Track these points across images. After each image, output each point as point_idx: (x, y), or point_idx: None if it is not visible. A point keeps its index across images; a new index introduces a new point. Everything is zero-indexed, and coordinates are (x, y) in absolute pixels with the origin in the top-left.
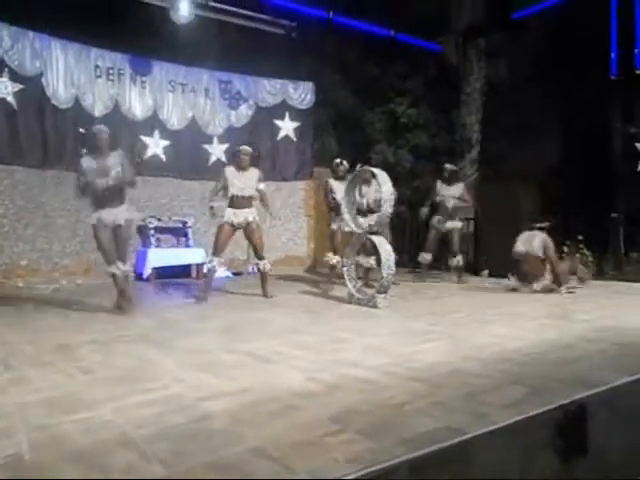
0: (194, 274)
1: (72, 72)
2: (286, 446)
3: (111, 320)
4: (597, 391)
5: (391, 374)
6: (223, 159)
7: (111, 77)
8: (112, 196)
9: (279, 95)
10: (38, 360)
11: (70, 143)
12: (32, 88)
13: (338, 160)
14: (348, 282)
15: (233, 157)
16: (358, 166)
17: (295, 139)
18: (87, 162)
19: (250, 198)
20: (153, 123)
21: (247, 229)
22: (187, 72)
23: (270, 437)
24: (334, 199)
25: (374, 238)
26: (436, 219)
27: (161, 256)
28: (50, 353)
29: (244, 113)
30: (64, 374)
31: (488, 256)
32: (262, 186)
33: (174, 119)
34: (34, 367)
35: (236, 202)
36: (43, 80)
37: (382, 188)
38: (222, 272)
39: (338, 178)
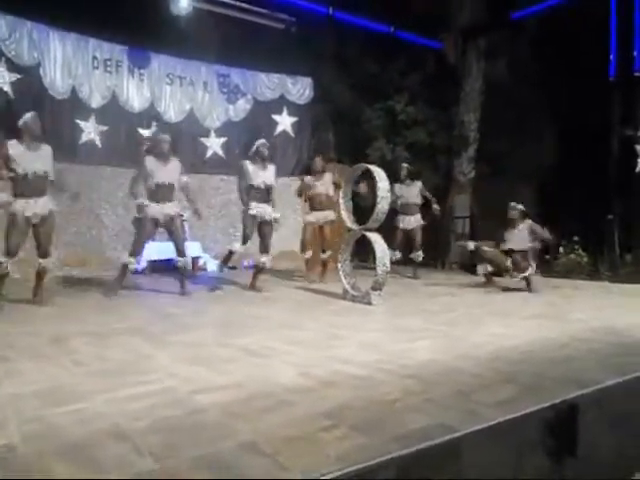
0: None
1: (70, 63)
2: (278, 441)
3: (106, 312)
4: (589, 390)
5: (384, 371)
6: (220, 153)
7: (109, 68)
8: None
9: (277, 90)
10: (34, 352)
11: (67, 133)
12: (29, 78)
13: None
14: (343, 278)
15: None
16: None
17: (293, 134)
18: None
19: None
20: (151, 115)
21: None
22: (185, 65)
23: (262, 431)
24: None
25: (369, 235)
26: (400, 218)
27: (157, 249)
28: (45, 345)
29: (242, 107)
30: (58, 366)
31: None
32: (185, 178)
33: (172, 112)
34: (29, 359)
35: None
36: (41, 70)
37: (379, 185)
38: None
39: (313, 173)
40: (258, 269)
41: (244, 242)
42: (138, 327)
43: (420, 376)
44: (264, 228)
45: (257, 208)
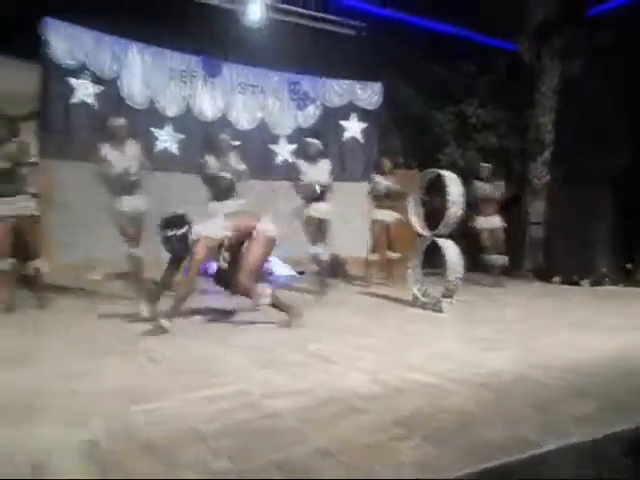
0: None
1: (147, 74)
2: (352, 448)
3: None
4: None
5: (456, 380)
6: (290, 159)
7: (184, 79)
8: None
9: (346, 96)
10: (111, 350)
11: (144, 142)
12: (111, 90)
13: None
14: (413, 285)
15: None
16: None
17: (361, 140)
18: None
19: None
20: (223, 124)
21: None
22: (257, 73)
23: (336, 438)
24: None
25: (440, 241)
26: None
27: None
28: (120, 344)
29: (311, 114)
30: (135, 365)
31: (559, 261)
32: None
33: (243, 120)
34: (107, 357)
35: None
36: (120, 82)
37: (450, 190)
38: (285, 271)
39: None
40: (320, 264)
41: (314, 243)
42: (207, 329)
43: (494, 387)
44: (322, 225)
45: (313, 207)
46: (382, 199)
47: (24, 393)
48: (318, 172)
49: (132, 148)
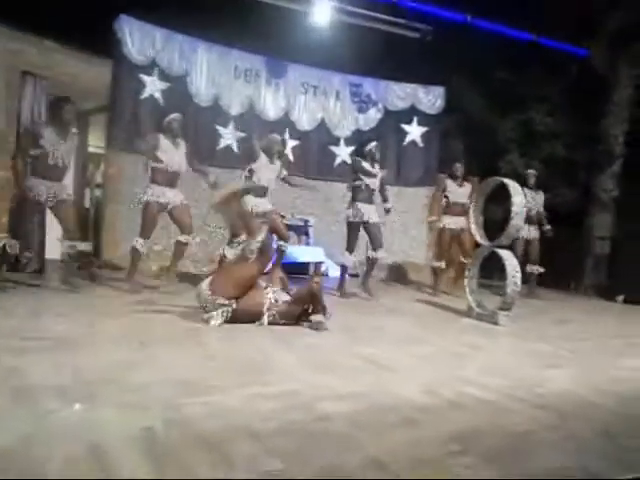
0: (311, 272)
1: (214, 72)
2: (404, 460)
3: None
4: None
5: (514, 398)
6: (349, 161)
7: (248, 78)
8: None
9: (408, 99)
10: (170, 341)
11: (208, 138)
12: (178, 87)
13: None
14: (469, 295)
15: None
16: None
17: (422, 144)
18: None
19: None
20: (284, 123)
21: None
22: (320, 74)
23: (388, 448)
24: None
25: (501, 252)
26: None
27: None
28: (180, 335)
29: (372, 116)
30: (192, 357)
31: (623, 279)
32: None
33: (304, 120)
34: (166, 347)
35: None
36: (187, 79)
37: (513, 200)
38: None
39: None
40: (370, 265)
41: (351, 250)
42: (263, 327)
43: (555, 408)
44: (372, 229)
45: (363, 209)
46: (452, 205)
47: (84, 377)
48: (375, 177)
49: (182, 146)
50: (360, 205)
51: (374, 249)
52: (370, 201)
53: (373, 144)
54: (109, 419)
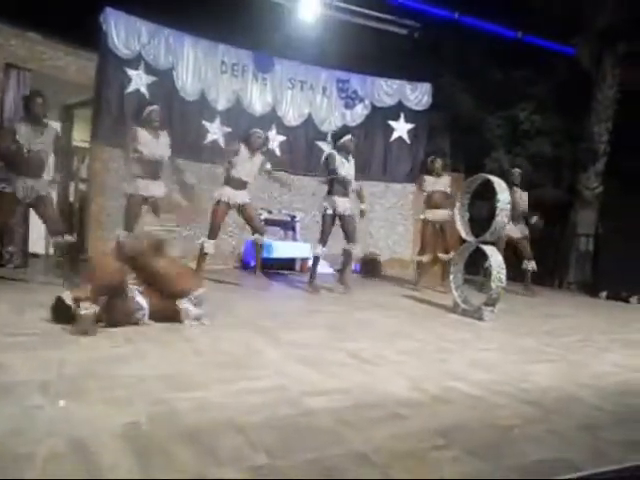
0: (298, 268)
1: (200, 67)
2: (389, 454)
3: (217, 305)
4: None
5: (500, 393)
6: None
7: (235, 73)
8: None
9: (395, 96)
10: (155, 337)
11: (194, 133)
12: (163, 81)
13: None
14: (454, 291)
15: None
16: None
17: (409, 141)
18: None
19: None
20: (271, 118)
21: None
22: (307, 70)
23: (373, 443)
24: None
25: (485, 248)
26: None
27: (268, 248)
28: (164, 331)
29: (359, 112)
30: (177, 353)
31: (606, 275)
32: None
33: (291, 115)
34: (151, 343)
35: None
36: (174, 74)
37: (499, 197)
38: (325, 269)
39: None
40: (346, 258)
41: (324, 243)
42: (250, 322)
43: (540, 403)
44: (346, 222)
45: (338, 202)
46: (434, 199)
47: (68, 373)
48: (349, 169)
49: (165, 138)
50: (335, 198)
51: (349, 242)
52: (345, 194)
53: (347, 137)
54: (94, 414)
